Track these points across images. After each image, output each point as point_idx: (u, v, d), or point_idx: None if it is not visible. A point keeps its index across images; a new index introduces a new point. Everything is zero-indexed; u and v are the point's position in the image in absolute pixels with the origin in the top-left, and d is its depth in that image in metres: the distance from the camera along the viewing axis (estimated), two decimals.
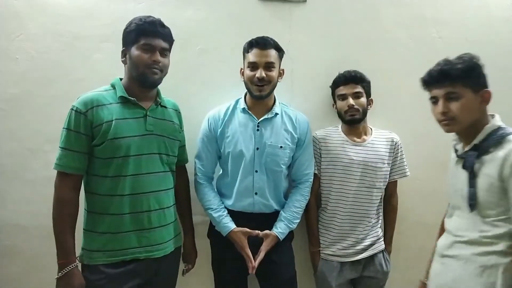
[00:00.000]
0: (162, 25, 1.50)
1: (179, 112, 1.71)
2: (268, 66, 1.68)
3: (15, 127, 1.87)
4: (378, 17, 2.06)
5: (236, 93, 1.93)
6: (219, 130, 1.77)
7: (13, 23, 1.87)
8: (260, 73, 1.66)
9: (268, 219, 1.77)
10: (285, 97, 1.98)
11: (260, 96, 1.70)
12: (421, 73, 2.07)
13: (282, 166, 1.76)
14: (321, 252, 1.86)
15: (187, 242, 1.77)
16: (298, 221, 1.78)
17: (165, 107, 1.61)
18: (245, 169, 1.73)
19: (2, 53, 1.86)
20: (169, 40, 1.54)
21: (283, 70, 1.79)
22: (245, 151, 1.72)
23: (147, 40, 1.45)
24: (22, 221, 1.88)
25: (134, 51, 1.46)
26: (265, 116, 1.75)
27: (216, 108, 1.83)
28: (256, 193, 1.73)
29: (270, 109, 1.78)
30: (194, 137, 1.81)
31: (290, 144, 1.77)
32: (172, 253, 1.58)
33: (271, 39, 1.70)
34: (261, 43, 1.67)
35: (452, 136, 1.49)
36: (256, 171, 1.73)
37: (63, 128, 1.42)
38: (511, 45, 2.13)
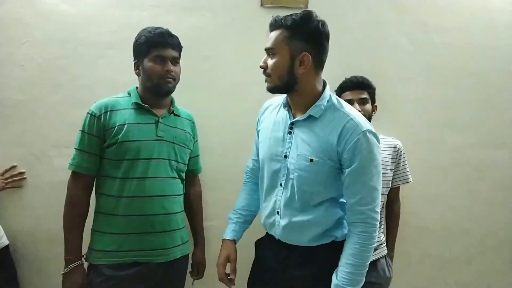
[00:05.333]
0: (170, 34, 1.55)
1: (193, 123, 1.76)
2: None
3: (20, 133, 1.89)
4: (380, 23, 2.07)
5: (241, 97, 1.95)
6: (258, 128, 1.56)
7: (19, 30, 1.89)
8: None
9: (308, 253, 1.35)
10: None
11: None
12: (423, 79, 2.10)
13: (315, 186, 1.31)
14: None
15: (197, 253, 1.77)
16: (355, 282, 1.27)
17: (179, 116, 1.66)
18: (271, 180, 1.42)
19: (8, 59, 1.88)
20: (179, 48, 1.59)
21: None
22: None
23: (158, 51, 1.51)
24: (26, 226, 1.89)
25: (147, 63, 1.51)
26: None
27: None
28: (277, 212, 1.38)
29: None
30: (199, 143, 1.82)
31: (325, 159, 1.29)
32: (178, 260, 1.58)
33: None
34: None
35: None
36: (281, 185, 1.37)
37: (79, 130, 1.50)
38: None
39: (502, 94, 2.13)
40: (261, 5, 2.00)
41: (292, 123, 1.35)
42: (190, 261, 1.74)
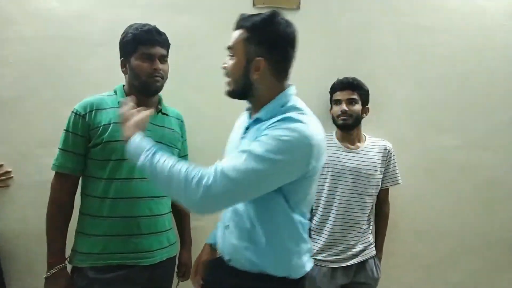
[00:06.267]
0: (158, 32, 1.51)
1: (182, 122, 1.72)
2: None
3: (7, 131, 1.86)
4: (370, 25, 2.08)
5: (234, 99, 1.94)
6: None
7: (7, 28, 1.86)
8: None
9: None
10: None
11: None
12: (413, 81, 2.12)
13: None
14: (312, 257, 1.87)
15: (184, 255, 1.75)
16: None
17: (167, 114, 1.63)
18: None
19: None
20: (167, 45, 1.56)
21: None
22: None
23: (145, 49, 1.47)
24: (13, 226, 1.87)
25: (134, 61, 1.48)
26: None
27: None
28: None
29: None
30: (189, 143, 1.81)
31: None
32: (164, 263, 1.55)
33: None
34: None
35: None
36: None
37: (63, 130, 1.46)
38: (505, 52, 2.16)
39: (488, 96, 2.17)
40: (254, 5, 2.01)
41: (247, 127, 1.24)
42: (177, 262, 1.72)
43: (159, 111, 1.59)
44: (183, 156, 1.74)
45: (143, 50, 1.47)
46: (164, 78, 1.54)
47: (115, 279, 1.42)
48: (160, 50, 1.50)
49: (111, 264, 1.42)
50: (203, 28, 1.98)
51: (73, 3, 1.90)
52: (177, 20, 1.95)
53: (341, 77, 1.90)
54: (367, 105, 1.89)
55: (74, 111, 1.46)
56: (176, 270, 1.72)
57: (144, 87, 1.50)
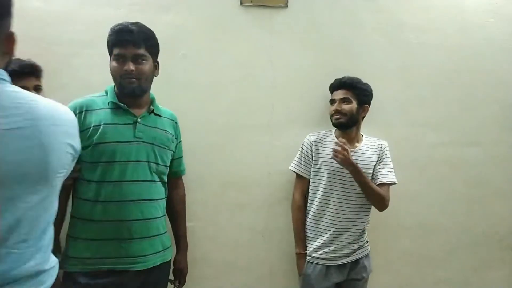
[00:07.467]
0: (130, 30, 1.44)
1: (176, 123, 1.69)
2: None
3: None
4: (358, 23, 2.09)
5: (219, 97, 1.93)
6: None
7: None
8: None
9: None
10: (265, 101, 2.00)
11: None
12: (399, 78, 2.12)
13: None
14: (307, 255, 1.86)
15: (179, 259, 1.71)
16: None
17: (159, 115, 1.59)
18: None
19: None
20: (144, 43, 1.47)
21: None
22: None
23: (116, 50, 1.45)
24: None
25: (111, 62, 1.47)
26: None
27: None
28: None
29: None
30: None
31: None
32: (158, 267, 1.52)
33: None
34: None
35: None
36: None
37: None
38: (485, 50, 2.18)
39: (475, 92, 2.18)
40: (241, 3, 1.99)
41: None
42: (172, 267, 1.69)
43: (151, 111, 1.56)
44: (177, 158, 1.71)
45: (116, 51, 1.45)
46: (141, 79, 1.47)
47: (107, 285, 1.39)
48: (132, 50, 1.44)
49: (102, 269, 1.40)
50: (189, 26, 1.97)
51: (56, 3, 1.86)
52: (162, 19, 1.93)
53: (329, 75, 1.90)
54: (366, 104, 1.88)
55: None
56: (171, 276, 1.69)
57: (119, 89, 1.48)
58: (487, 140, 2.18)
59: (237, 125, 1.98)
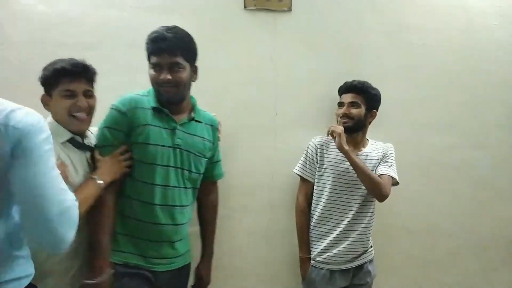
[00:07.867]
0: (165, 38, 1.42)
1: (214, 127, 1.66)
2: None
3: None
4: (361, 25, 2.09)
5: (224, 100, 1.93)
6: None
7: None
8: None
9: None
10: (269, 104, 1.99)
11: None
12: (403, 80, 2.12)
13: None
14: (311, 259, 1.85)
15: (202, 267, 1.71)
16: None
17: (200, 121, 1.58)
18: None
19: None
20: (180, 51, 1.44)
21: None
22: None
23: (154, 58, 1.45)
24: None
25: (149, 70, 1.48)
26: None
27: None
28: None
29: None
30: None
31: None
32: (180, 269, 1.55)
33: None
34: None
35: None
36: None
37: (102, 127, 1.44)
38: (490, 51, 2.17)
39: (480, 94, 2.17)
40: (244, 7, 2.00)
41: None
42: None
43: (191, 118, 1.54)
44: (213, 162, 1.69)
45: (151, 60, 1.46)
46: (178, 86, 1.45)
47: (135, 276, 1.42)
48: (168, 59, 1.42)
49: (129, 264, 1.43)
50: (193, 29, 1.96)
51: (61, 7, 1.88)
52: (166, 22, 1.92)
53: (333, 78, 1.90)
54: (375, 110, 1.86)
55: (114, 107, 1.44)
56: (192, 283, 1.70)
57: (157, 96, 1.50)
58: (493, 142, 2.16)
59: (241, 128, 1.99)
